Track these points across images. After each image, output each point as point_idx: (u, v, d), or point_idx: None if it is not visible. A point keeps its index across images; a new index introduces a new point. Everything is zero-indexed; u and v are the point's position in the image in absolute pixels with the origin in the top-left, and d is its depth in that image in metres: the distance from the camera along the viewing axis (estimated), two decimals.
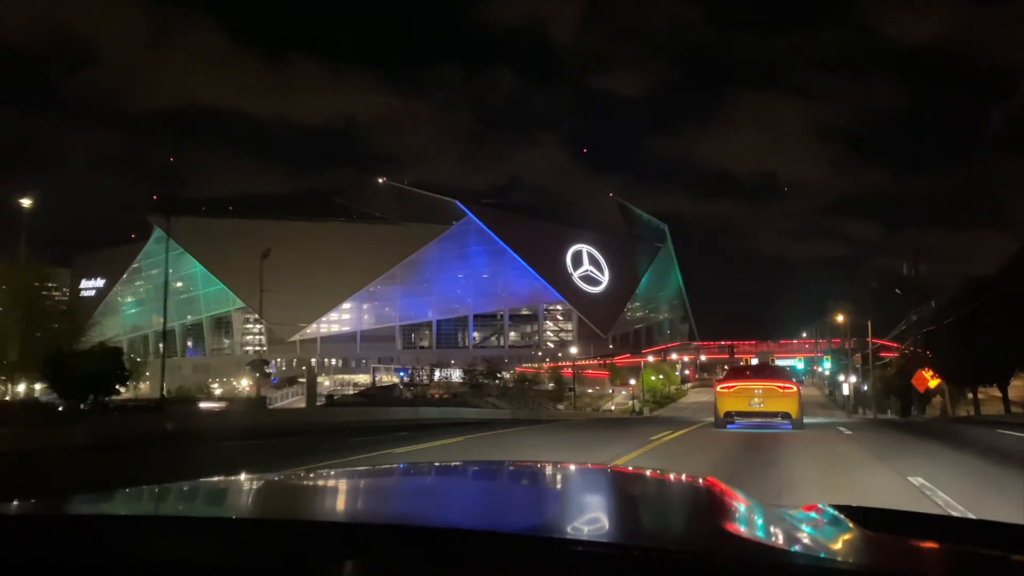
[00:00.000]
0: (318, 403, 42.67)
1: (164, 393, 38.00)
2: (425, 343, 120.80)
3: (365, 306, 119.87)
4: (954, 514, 5.99)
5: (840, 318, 63.69)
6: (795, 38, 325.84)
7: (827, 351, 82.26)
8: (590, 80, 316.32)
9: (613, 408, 70.24)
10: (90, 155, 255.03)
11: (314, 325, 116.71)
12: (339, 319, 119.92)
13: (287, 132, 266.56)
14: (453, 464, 4.38)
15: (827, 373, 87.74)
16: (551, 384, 79.24)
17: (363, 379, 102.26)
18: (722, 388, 18.32)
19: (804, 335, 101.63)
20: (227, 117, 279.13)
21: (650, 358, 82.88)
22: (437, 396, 54.81)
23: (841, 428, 19.18)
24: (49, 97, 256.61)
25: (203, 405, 43.51)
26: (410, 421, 26.04)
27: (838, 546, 1.55)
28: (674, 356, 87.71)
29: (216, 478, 2.45)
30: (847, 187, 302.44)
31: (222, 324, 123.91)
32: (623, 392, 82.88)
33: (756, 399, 17.43)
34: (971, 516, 5.80)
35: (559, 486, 2.28)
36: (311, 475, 3.04)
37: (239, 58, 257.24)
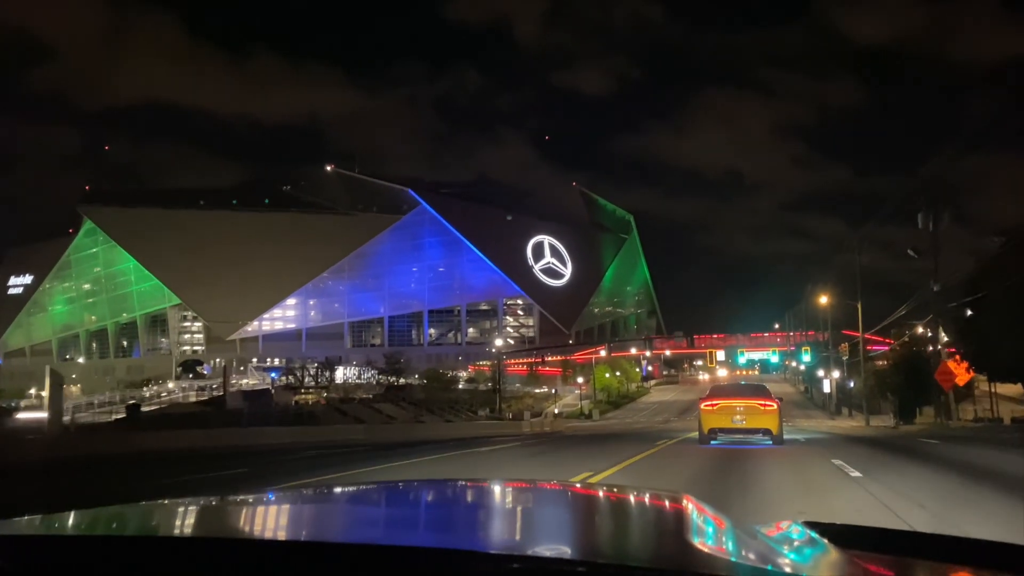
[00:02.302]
0: (114, 418, 33.95)
1: None
2: (377, 341, 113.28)
3: (311, 302, 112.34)
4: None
5: (824, 299, 56.28)
6: (757, 36, 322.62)
7: (800, 344, 75.28)
8: (555, 78, 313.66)
9: (558, 411, 62.41)
10: (45, 152, 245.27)
11: (256, 322, 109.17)
12: (283, 316, 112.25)
13: (249, 129, 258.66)
14: (420, 483, 4.12)
15: (803, 368, 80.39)
16: (489, 383, 71.32)
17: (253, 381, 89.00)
18: (706, 406, 18.76)
19: (777, 327, 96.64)
20: (187, 114, 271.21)
21: (602, 352, 75.59)
22: (343, 401, 46.84)
23: None
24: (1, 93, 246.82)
25: (22, 416, 35.88)
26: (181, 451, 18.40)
27: (811, 563, 1.53)
28: (633, 351, 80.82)
29: (184, 498, 2.23)
30: (810, 184, 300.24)
31: (157, 322, 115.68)
32: (575, 392, 75.15)
33: (738, 416, 18.00)
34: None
35: (527, 505, 2.25)
36: (280, 495, 2.79)
37: (199, 54, 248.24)
